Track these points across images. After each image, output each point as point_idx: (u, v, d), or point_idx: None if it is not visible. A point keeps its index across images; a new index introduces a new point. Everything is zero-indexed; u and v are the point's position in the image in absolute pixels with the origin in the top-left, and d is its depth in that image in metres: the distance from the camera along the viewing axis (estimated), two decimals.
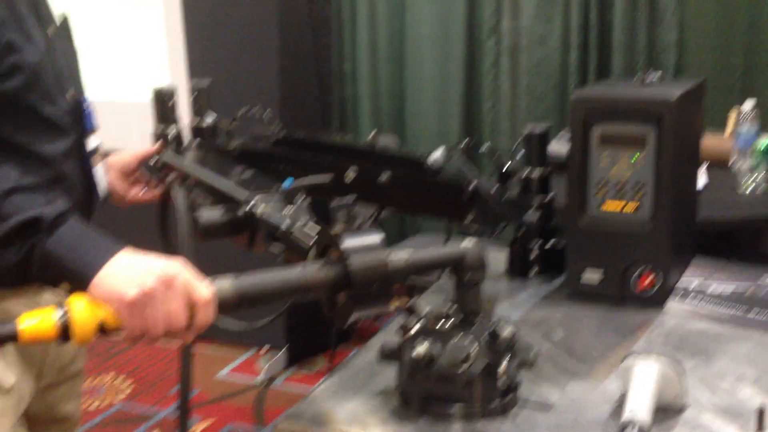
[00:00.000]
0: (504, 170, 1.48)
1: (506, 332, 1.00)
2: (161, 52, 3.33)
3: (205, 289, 0.90)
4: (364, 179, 1.56)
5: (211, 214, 1.22)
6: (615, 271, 1.36)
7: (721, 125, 2.89)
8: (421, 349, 0.98)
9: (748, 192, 2.61)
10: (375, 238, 0.96)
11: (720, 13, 3.18)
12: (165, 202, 1.43)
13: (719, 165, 2.66)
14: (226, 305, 0.91)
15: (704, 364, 1.15)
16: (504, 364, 1.00)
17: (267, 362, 3.25)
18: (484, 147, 1.56)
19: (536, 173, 1.47)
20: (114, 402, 3.02)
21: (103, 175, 1.41)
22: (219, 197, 1.33)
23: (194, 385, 3.02)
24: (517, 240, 1.50)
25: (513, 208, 1.45)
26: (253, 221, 1.17)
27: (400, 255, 0.97)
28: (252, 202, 1.18)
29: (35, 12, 1.22)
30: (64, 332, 0.86)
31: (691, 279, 1.44)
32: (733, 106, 2.87)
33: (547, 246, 1.48)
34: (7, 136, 1.14)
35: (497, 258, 1.53)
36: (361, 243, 0.94)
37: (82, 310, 0.87)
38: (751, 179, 2.60)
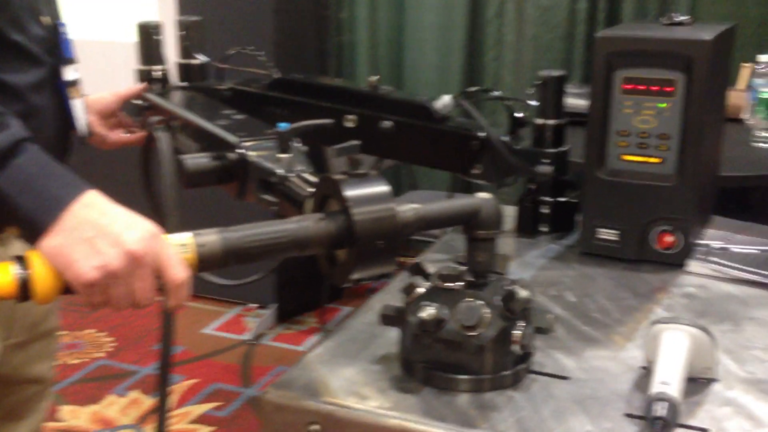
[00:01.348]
0: (515, 119, 1.37)
1: (522, 295, 0.89)
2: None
3: (179, 269, 0.77)
4: (365, 126, 1.44)
5: (197, 159, 1.10)
6: (634, 229, 1.26)
7: (733, 78, 2.77)
8: (428, 311, 0.88)
9: (764, 146, 2.50)
10: (381, 187, 0.84)
11: None
12: (148, 145, 1.31)
13: (732, 119, 2.55)
14: (212, 262, 0.79)
15: (732, 331, 1.05)
16: (518, 329, 0.90)
17: (255, 319, 3.16)
18: (495, 94, 1.43)
19: (551, 123, 1.36)
20: (95, 358, 2.93)
21: (82, 111, 1.28)
22: (207, 141, 1.21)
23: (178, 342, 2.92)
24: (527, 194, 1.39)
25: (524, 160, 1.34)
26: (245, 168, 1.06)
27: (409, 207, 0.86)
28: (244, 147, 1.06)
29: None
30: (23, 290, 0.75)
31: (712, 239, 1.34)
32: (747, 59, 2.74)
33: (561, 201, 1.37)
34: None
35: (505, 213, 1.42)
36: (366, 193, 0.83)
37: (45, 266, 0.76)
38: (766, 134, 2.50)
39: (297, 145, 1.06)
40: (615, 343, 1.02)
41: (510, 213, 1.41)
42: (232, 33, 2.81)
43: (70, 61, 1.18)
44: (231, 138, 1.09)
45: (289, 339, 3.07)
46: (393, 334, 0.98)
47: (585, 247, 1.30)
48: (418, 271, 0.95)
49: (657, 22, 1.33)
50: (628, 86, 1.23)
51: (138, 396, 2.68)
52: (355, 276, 0.83)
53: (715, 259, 1.25)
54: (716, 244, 1.32)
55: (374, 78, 1.48)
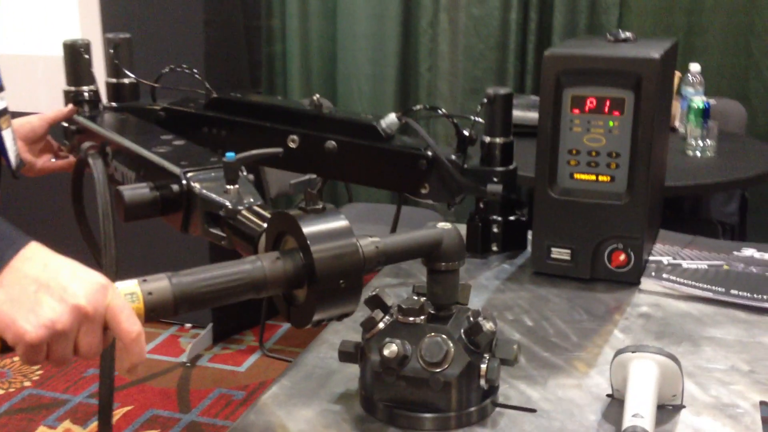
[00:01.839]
0: (463, 137, 1.34)
1: (486, 327, 0.86)
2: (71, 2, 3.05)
3: (131, 322, 0.69)
4: (309, 146, 1.40)
5: (137, 190, 1.04)
6: (586, 247, 1.24)
7: None
8: (391, 348, 0.84)
9: (698, 155, 2.55)
10: (340, 222, 0.80)
11: None
12: (79, 172, 1.24)
13: None
14: (161, 311, 0.73)
15: (691, 352, 1.04)
16: (484, 363, 0.86)
17: (191, 340, 3.06)
18: (441, 112, 1.41)
19: (499, 141, 1.33)
20: (22, 387, 2.80)
21: (11, 141, 1.20)
22: (145, 169, 1.15)
23: None
24: (476, 213, 1.36)
25: (473, 179, 1.31)
26: (189, 199, 1.00)
27: (370, 242, 0.82)
28: (188, 178, 1.00)
29: None
30: None
31: (661, 254, 1.34)
32: (676, 67, 2.79)
33: (510, 220, 1.35)
34: None
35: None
36: (325, 229, 0.79)
37: None
38: (697, 142, 2.55)
39: (244, 174, 1.01)
40: (578, 370, 1.00)
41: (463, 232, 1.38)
42: (161, 47, 2.73)
43: None
44: (174, 168, 1.03)
45: (228, 359, 2.99)
46: (351, 369, 0.94)
47: (537, 266, 1.28)
48: (377, 303, 0.91)
49: (603, 39, 1.32)
50: (578, 105, 1.21)
51: (70, 426, 2.56)
52: (317, 317, 0.78)
53: (667, 276, 1.25)
54: (666, 259, 1.32)
55: (316, 96, 1.44)
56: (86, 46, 1.48)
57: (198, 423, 2.55)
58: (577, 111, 1.22)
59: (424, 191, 1.35)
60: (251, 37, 3.20)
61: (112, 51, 1.51)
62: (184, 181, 1.00)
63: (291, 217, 0.79)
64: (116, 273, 0.94)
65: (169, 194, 1.00)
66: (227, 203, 0.94)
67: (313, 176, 0.80)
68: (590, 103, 1.21)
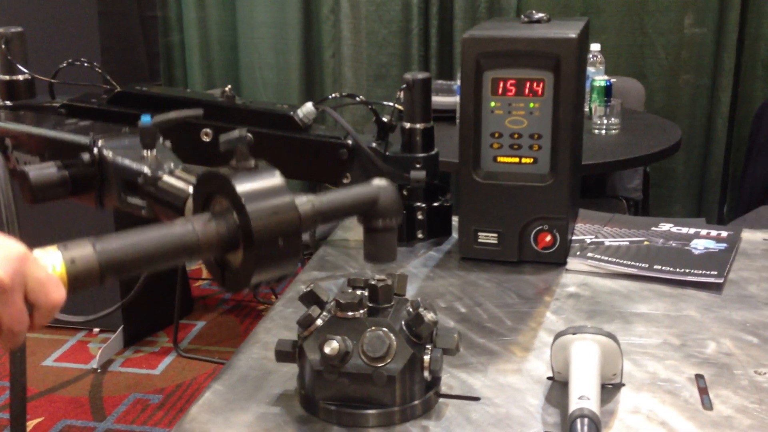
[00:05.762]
0: (383, 124, 1.32)
1: (428, 318, 0.84)
2: None
3: (55, 289, 0.64)
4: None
5: (43, 170, 0.95)
6: (512, 230, 1.24)
7: None
8: (332, 346, 0.81)
9: (603, 133, 2.61)
10: (276, 180, 0.74)
11: None
12: None
13: None
14: (86, 280, 0.65)
15: (623, 330, 1.05)
16: (426, 354, 0.85)
17: (100, 344, 2.94)
18: (358, 99, 1.38)
19: (419, 127, 1.31)
20: None
21: None
22: (51, 151, 1.07)
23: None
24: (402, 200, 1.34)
25: (396, 167, 1.29)
26: (103, 171, 0.93)
27: (306, 200, 0.77)
28: (99, 146, 0.93)
29: None
30: None
31: (584, 234, 1.35)
32: None
33: (435, 206, 1.34)
34: None
35: None
36: (261, 187, 0.72)
37: None
38: (602, 121, 2.60)
39: (160, 141, 0.94)
40: (515, 355, 0.99)
41: None
42: (54, 41, 2.60)
43: None
44: (82, 139, 0.95)
45: (141, 363, 2.89)
46: (288, 369, 0.90)
47: (465, 252, 1.28)
48: (312, 299, 0.88)
49: (517, 21, 1.32)
50: (498, 87, 1.21)
51: None
52: (255, 280, 0.73)
53: (592, 255, 1.26)
54: (589, 238, 1.33)
55: (228, 87, 1.38)
56: None
57: (115, 431, 2.45)
58: (498, 94, 1.21)
59: (346, 181, 1.32)
60: (147, 28, 3.08)
61: (3, 46, 1.42)
62: (96, 150, 0.92)
63: (222, 175, 0.73)
64: None
65: (80, 171, 0.93)
66: (145, 169, 0.87)
67: (244, 132, 0.75)
68: (510, 84, 1.20)
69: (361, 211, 0.83)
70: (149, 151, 0.91)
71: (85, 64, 1.47)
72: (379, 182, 0.84)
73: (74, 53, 2.42)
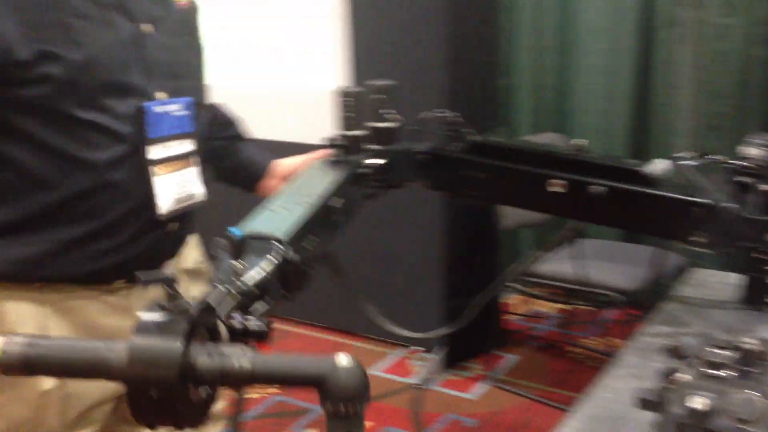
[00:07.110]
0: (741, 184, 1.32)
1: None
2: (323, 49, 3.29)
3: None
4: (571, 191, 1.42)
5: None
6: None
7: None
8: (701, 401, 0.85)
9: None
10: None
11: None
12: None
13: None
14: (8, 369, 0.69)
15: None
16: None
17: (420, 363, 3.17)
18: (716, 158, 1.39)
19: None
20: (272, 393, 2.99)
21: (165, 188, 1.26)
22: None
23: None
24: (754, 262, 1.33)
25: (753, 229, 1.29)
26: None
27: (245, 360, 0.69)
28: None
29: (121, 8, 1.18)
30: None
31: None
32: None
33: None
34: (47, 140, 1.13)
35: (725, 282, 1.37)
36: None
37: None
38: None
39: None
40: None
41: (732, 280, 1.36)
42: (404, 87, 2.86)
43: (156, 140, 1.22)
44: None
45: (457, 385, 3.07)
46: (640, 415, 0.96)
47: None
48: (677, 354, 0.92)
49: None
50: None
51: None
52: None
53: None
54: None
55: (582, 141, 1.45)
56: (357, 94, 1.58)
57: None
58: None
59: (699, 239, 1.33)
60: (489, 73, 3.28)
61: (378, 97, 1.60)
62: None
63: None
64: None
65: None
66: None
67: (170, 275, 0.71)
68: None
69: (304, 386, 0.69)
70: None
71: (446, 114, 1.62)
72: (340, 360, 0.68)
73: (422, 94, 2.66)
